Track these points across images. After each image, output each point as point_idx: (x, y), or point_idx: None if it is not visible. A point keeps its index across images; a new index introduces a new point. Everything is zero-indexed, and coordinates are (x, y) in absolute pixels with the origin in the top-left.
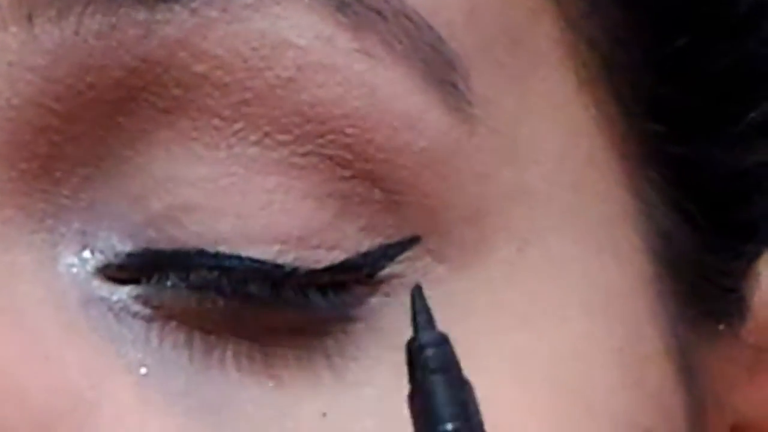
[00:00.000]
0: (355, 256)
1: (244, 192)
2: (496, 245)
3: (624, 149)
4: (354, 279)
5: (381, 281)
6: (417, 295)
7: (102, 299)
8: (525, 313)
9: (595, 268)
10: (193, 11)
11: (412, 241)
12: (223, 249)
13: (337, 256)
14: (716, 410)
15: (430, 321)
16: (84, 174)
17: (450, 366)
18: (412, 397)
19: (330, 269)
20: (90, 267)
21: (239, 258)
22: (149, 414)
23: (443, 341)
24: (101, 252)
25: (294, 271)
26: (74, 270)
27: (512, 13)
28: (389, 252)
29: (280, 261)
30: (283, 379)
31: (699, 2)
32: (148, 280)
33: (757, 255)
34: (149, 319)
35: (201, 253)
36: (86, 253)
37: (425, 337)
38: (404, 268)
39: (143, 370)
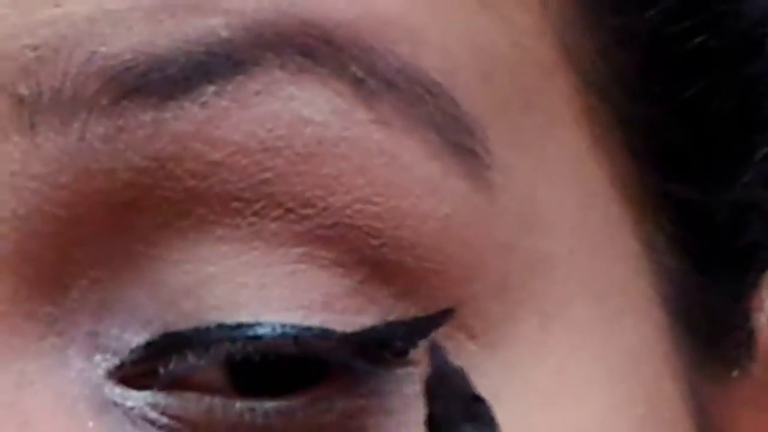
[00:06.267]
0: (386, 324)
1: (267, 264)
2: (520, 320)
3: (635, 199)
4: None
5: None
6: (438, 323)
7: (116, 404)
8: (551, 393)
9: (615, 334)
10: (204, 104)
11: (446, 313)
12: (244, 319)
13: (365, 321)
14: None
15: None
16: (93, 276)
17: (467, 390)
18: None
19: (361, 335)
20: (102, 370)
21: (260, 325)
22: None
23: (459, 371)
24: (114, 353)
25: (323, 333)
26: (85, 374)
27: (525, 72)
28: (422, 325)
29: (306, 324)
30: None
31: (711, 53)
32: (166, 365)
33: (755, 285)
34: (168, 429)
35: (221, 326)
36: (97, 357)
37: (444, 367)
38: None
39: None
